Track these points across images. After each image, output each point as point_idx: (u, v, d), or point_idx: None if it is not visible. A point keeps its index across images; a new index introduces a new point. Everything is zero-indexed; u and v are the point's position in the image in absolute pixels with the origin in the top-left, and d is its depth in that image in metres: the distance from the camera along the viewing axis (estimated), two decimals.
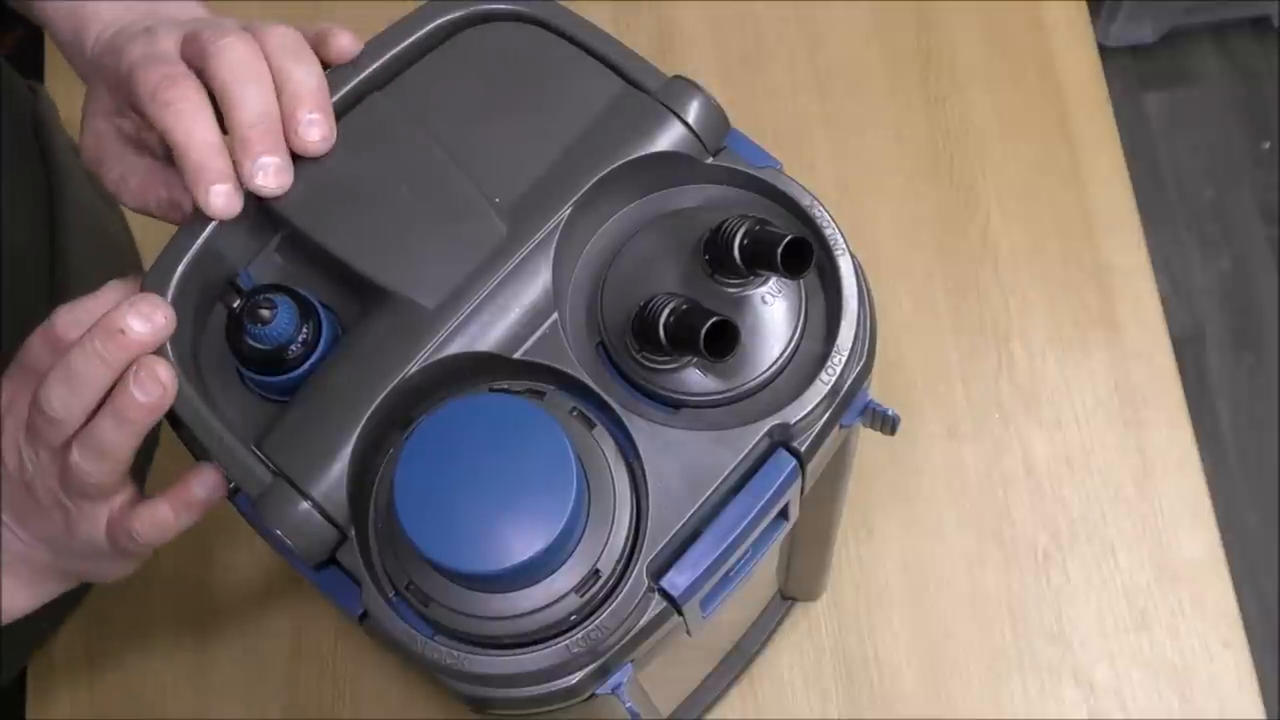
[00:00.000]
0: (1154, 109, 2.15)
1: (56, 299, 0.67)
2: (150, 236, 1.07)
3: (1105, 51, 1.24)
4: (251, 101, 0.64)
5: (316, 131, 0.65)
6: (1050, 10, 1.15)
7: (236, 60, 0.64)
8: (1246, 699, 0.98)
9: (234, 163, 0.64)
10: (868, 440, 0.78)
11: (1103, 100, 1.13)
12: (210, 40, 0.65)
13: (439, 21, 0.69)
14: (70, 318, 0.64)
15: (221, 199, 0.63)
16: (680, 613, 0.61)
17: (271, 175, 0.64)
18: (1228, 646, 0.99)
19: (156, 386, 0.61)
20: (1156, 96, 2.16)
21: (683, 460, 0.60)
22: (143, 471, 0.69)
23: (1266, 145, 2.13)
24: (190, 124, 0.64)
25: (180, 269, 0.64)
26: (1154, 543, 1.01)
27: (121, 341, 0.60)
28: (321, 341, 0.64)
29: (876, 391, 0.66)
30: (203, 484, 0.65)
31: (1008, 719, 0.98)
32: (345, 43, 0.68)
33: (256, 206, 0.66)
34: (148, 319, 0.61)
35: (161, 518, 0.65)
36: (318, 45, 0.68)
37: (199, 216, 0.64)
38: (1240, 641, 0.99)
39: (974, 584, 1.01)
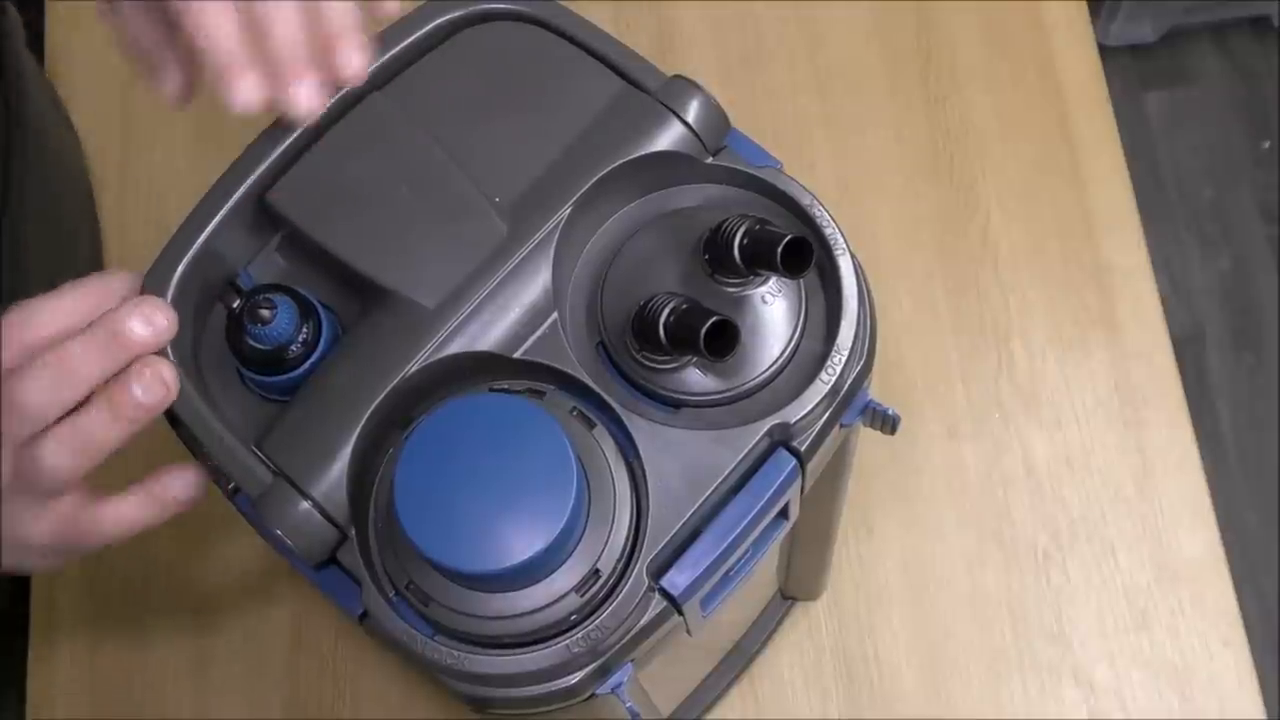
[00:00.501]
0: (1154, 108, 2.15)
1: (4, 224, 0.67)
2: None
3: (1105, 51, 1.24)
4: (282, 26, 0.64)
5: (357, 60, 0.65)
6: (1050, 10, 1.15)
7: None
8: (1246, 698, 0.98)
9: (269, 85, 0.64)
10: (868, 440, 0.78)
11: (1103, 100, 1.13)
12: None
13: (439, 21, 0.69)
14: (24, 317, 0.62)
15: (248, 93, 0.63)
16: (680, 612, 0.61)
17: (313, 95, 0.64)
18: (1228, 646, 0.99)
19: (160, 388, 0.60)
20: (1156, 96, 2.16)
21: (683, 460, 0.60)
22: None
23: (1266, 145, 2.13)
24: (214, 23, 0.63)
25: (180, 269, 0.64)
26: (1154, 542, 1.01)
27: (122, 343, 0.60)
28: (321, 341, 0.64)
29: (876, 391, 0.66)
30: (183, 482, 0.64)
31: (1007, 719, 0.98)
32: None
33: (256, 207, 0.66)
34: (149, 322, 0.60)
35: (128, 514, 0.64)
36: None
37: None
38: (1240, 641, 0.99)
39: (974, 584, 1.01)
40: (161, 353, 0.61)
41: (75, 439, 0.61)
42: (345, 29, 0.65)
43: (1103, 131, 1.12)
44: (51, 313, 0.62)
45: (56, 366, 0.60)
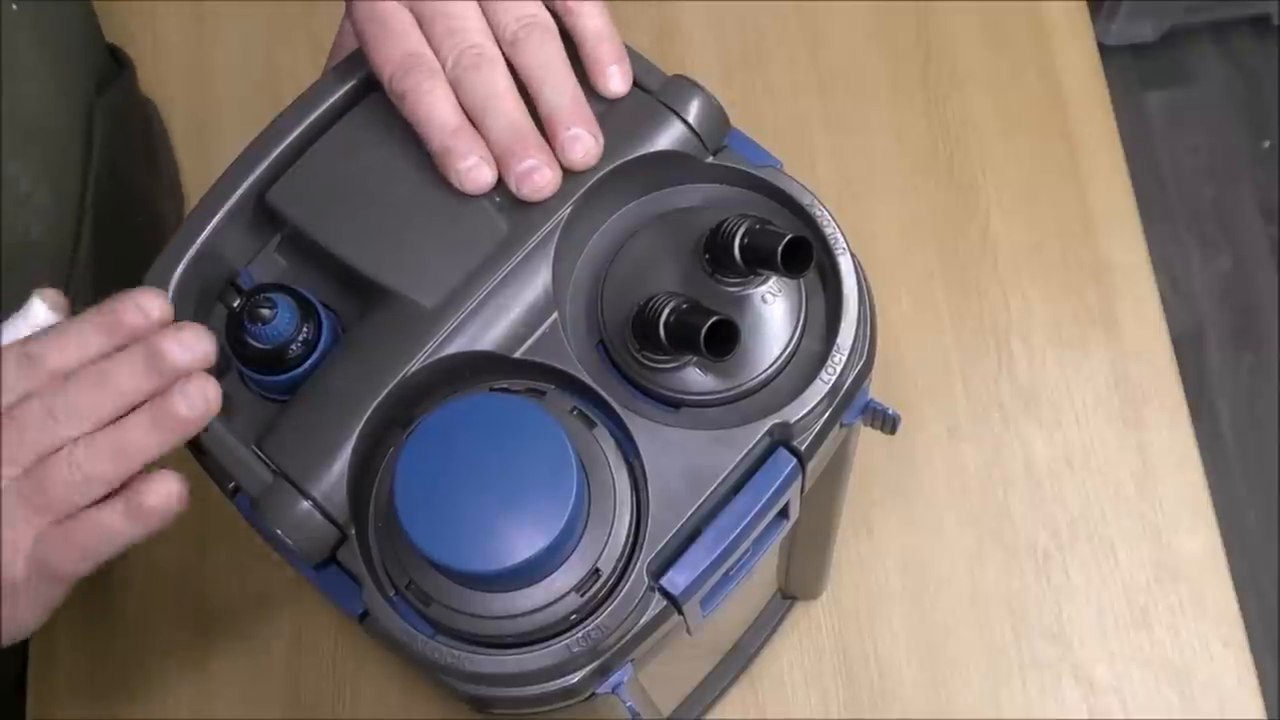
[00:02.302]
0: (1154, 108, 2.15)
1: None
2: None
3: (1105, 50, 1.24)
4: (501, 116, 0.65)
5: (579, 147, 0.64)
6: (1050, 10, 1.15)
7: (484, 84, 0.65)
8: (1246, 698, 0.98)
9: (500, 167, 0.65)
10: (867, 440, 0.78)
11: (1103, 99, 1.13)
12: (459, 61, 0.65)
13: None
14: (57, 348, 0.61)
15: (474, 173, 0.64)
16: (680, 612, 0.61)
17: (539, 175, 0.64)
18: (1228, 645, 0.99)
19: (202, 403, 0.60)
20: (1156, 95, 2.16)
21: (683, 459, 0.60)
22: None
23: (1266, 144, 2.13)
24: (434, 107, 0.65)
25: (180, 268, 0.64)
26: (1154, 541, 1.01)
27: (162, 367, 0.60)
28: (322, 341, 0.64)
29: (876, 391, 0.66)
30: (160, 490, 0.60)
31: (1007, 718, 0.98)
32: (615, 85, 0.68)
33: (256, 206, 0.66)
34: (189, 349, 0.60)
35: (109, 526, 0.60)
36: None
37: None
38: (1240, 640, 0.99)
39: (974, 583, 1.01)
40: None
41: (117, 445, 0.59)
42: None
43: (1103, 131, 1.12)
44: (75, 339, 0.61)
45: (99, 379, 0.59)
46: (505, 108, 0.64)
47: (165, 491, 0.60)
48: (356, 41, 0.68)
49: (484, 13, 0.66)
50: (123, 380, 0.59)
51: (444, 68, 0.65)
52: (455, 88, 0.65)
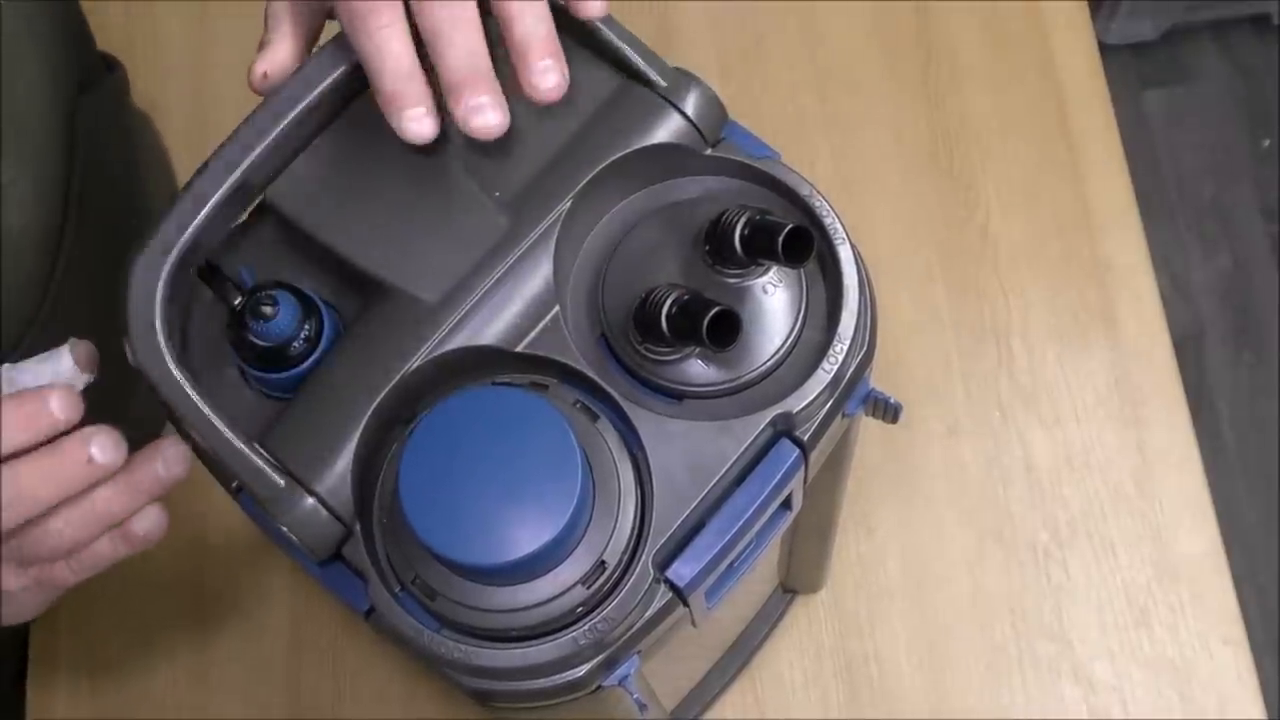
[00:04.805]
0: (1154, 106, 2.15)
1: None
2: None
3: (1105, 49, 1.24)
4: (459, 46, 0.61)
5: (552, 78, 0.61)
6: (1050, 8, 1.15)
7: (447, 9, 0.61)
8: (1246, 697, 0.98)
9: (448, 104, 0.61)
10: (867, 439, 0.78)
11: (1103, 98, 1.13)
12: None
13: None
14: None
15: (415, 124, 0.61)
16: (686, 603, 0.61)
17: (490, 114, 0.60)
18: (1228, 644, 0.99)
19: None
20: (1156, 94, 2.16)
21: (686, 451, 0.60)
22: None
23: (1266, 143, 2.13)
24: (385, 46, 0.61)
25: (167, 267, 0.63)
26: (1154, 540, 1.01)
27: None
28: (323, 338, 0.64)
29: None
30: (144, 522, 0.65)
31: (1008, 717, 0.98)
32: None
33: (248, 198, 0.66)
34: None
35: (98, 551, 0.66)
36: None
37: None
38: (1240, 639, 0.99)
39: (974, 582, 1.01)
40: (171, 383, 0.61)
41: (86, 515, 0.63)
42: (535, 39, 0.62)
43: (1103, 129, 1.12)
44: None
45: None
46: (466, 36, 0.61)
47: (150, 523, 0.65)
48: None
49: None
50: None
51: None
52: (415, 14, 0.61)
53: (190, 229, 0.61)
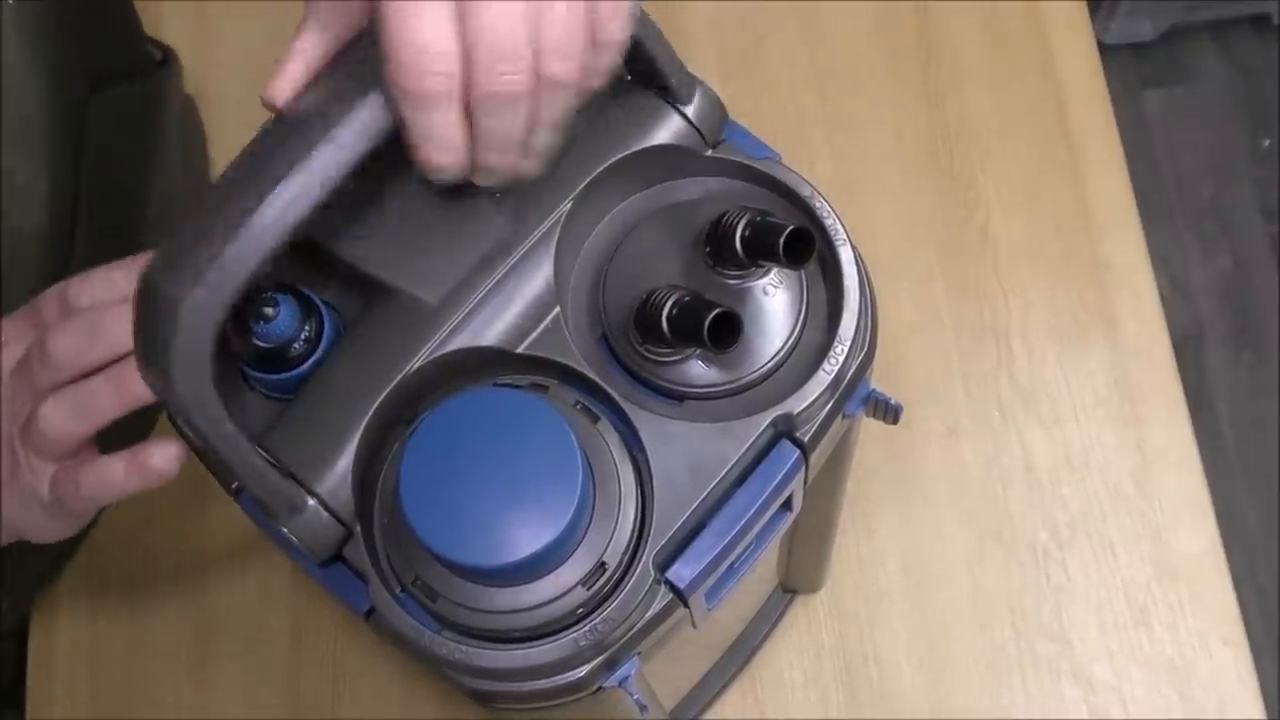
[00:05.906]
0: (1153, 106, 2.15)
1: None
2: None
3: (1105, 49, 1.24)
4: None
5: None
6: (1050, 8, 1.15)
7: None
8: (1246, 697, 0.98)
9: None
10: (867, 439, 0.78)
11: (1102, 97, 1.13)
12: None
13: None
14: (84, 288, 0.67)
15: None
16: (686, 604, 0.61)
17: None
18: (1227, 644, 0.99)
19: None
20: (1156, 94, 2.16)
21: (687, 452, 0.60)
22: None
23: (1266, 143, 2.13)
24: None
25: (221, 310, 0.63)
26: (1153, 540, 1.01)
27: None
28: (324, 339, 0.64)
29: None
30: (163, 455, 0.66)
31: (1007, 717, 0.98)
32: None
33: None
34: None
35: (111, 476, 0.66)
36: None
37: None
38: (1240, 639, 0.99)
39: (974, 582, 1.01)
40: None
41: (78, 402, 0.65)
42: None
43: (1102, 129, 1.12)
44: (101, 281, 0.68)
45: (89, 325, 0.65)
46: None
47: (167, 455, 0.66)
48: None
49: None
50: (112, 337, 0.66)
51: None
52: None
53: (249, 273, 0.55)
